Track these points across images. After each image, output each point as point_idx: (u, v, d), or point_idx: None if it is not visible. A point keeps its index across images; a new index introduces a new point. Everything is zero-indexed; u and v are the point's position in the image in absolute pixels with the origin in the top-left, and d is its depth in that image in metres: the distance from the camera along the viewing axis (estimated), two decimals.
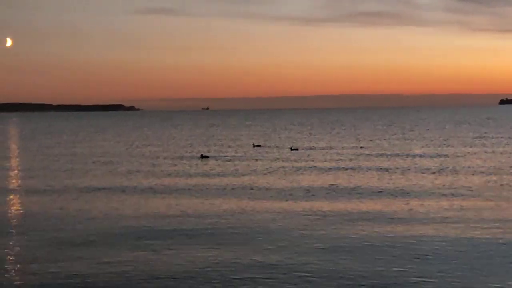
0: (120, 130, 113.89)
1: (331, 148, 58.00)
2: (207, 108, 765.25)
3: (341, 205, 24.56)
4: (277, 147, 60.25)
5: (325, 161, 44.56)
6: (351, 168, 39.03)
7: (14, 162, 47.58)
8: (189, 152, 54.67)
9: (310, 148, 57.58)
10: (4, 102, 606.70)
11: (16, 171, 40.74)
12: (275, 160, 45.89)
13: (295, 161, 44.81)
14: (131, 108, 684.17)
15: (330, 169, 38.92)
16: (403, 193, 27.98)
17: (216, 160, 46.39)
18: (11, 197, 28.76)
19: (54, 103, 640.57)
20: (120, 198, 27.68)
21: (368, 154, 49.72)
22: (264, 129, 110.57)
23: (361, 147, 58.05)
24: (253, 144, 61.72)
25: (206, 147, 61.16)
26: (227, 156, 49.99)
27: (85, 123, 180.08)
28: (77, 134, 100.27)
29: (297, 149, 55.56)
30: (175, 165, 43.10)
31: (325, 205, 24.93)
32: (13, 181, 35.06)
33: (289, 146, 58.87)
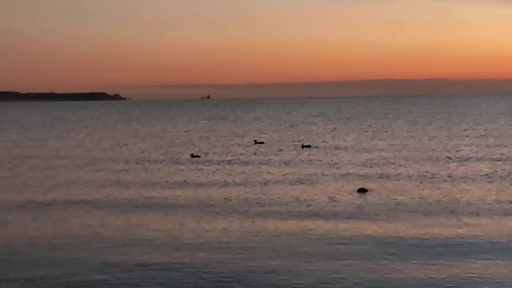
0: (103, 124, 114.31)
1: (357, 146, 57.83)
2: (208, 97, 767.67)
3: (365, 230, 24.02)
4: (282, 142, 60.48)
5: (348, 163, 44.34)
6: (379, 176, 38.76)
7: None
8: (186, 152, 54.75)
9: (334, 147, 57.46)
10: None
11: None
12: (280, 163, 45.73)
13: (308, 162, 44.65)
14: (115, 97, 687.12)
15: (351, 174, 38.64)
16: (451, 210, 27.56)
17: (209, 162, 46.57)
18: None
19: (22, 91, 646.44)
20: (98, 215, 27.59)
21: (404, 155, 49.45)
22: (276, 121, 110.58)
23: (395, 145, 57.82)
24: (255, 141, 62.86)
25: (206, 145, 61.25)
26: (224, 156, 50.25)
27: (60, 115, 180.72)
28: (50, 129, 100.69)
29: (309, 146, 55.86)
30: (172, 172, 43.09)
31: (348, 228, 24.67)
32: None
33: (300, 143, 59.22)
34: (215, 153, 52.94)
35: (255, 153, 52.34)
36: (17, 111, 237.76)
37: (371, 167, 41.41)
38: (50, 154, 55.01)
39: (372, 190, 31.43)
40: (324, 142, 63.50)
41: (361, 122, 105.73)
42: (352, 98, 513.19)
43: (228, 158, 48.86)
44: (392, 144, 58.90)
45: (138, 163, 46.58)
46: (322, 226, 23.76)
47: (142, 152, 55.26)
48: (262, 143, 61.45)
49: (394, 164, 42.62)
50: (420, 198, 29.51)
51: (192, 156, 50.10)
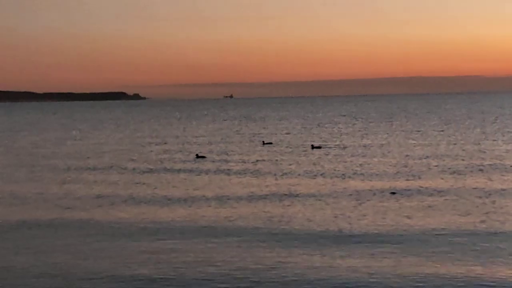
0: (122, 124, 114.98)
1: (388, 146, 57.71)
2: (231, 96, 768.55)
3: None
4: (291, 144, 60.72)
5: (378, 164, 44.32)
6: (410, 177, 38.68)
7: None
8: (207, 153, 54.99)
9: (363, 147, 57.40)
10: None
11: None
12: (290, 163, 45.74)
13: (336, 162, 44.69)
14: (135, 97, 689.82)
15: (382, 176, 38.63)
16: (485, 212, 27.48)
17: (213, 161, 46.82)
18: None
19: (40, 91, 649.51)
20: (122, 208, 27.89)
21: (437, 157, 49.30)
22: (302, 121, 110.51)
23: (427, 145, 57.64)
24: (263, 141, 62.94)
25: (221, 145, 61.50)
26: (229, 156, 50.62)
27: (78, 115, 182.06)
28: (68, 129, 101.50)
29: (319, 147, 55.94)
30: (191, 171, 43.35)
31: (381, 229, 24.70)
32: None
33: (311, 144, 59.63)
34: (217, 155, 52.74)
35: (261, 155, 51.89)
36: (35, 112, 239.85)
37: (404, 167, 41.27)
38: (68, 155, 55.50)
39: (403, 192, 31.37)
40: (353, 141, 63.43)
41: (392, 121, 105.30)
42: (382, 96, 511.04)
43: (232, 159, 48.90)
44: (424, 144, 58.62)
45: (157, 164, 46.88)
46: (356, 228, 23.85)
47: (162, 153, 55.50)
48: (270, 143, 61.57)
49: (426, 165, 42.42)
50: (456, 199, 29.48)
51: (197, 156, 50.13)
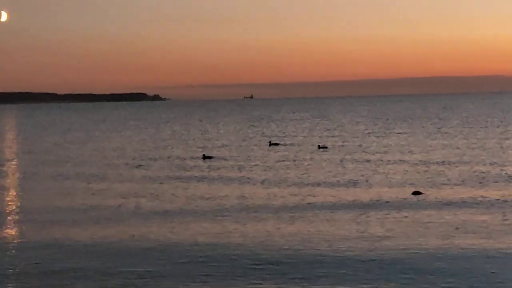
0: (143, 125, 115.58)
1: (409, 146, 57.73)
2: (251, 97, 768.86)
3: None
4: (299, 144, 60.96)
5: (401, 164, 44.44)
6: (433, 177, 38.81)
7: (12, 166, 49.03)
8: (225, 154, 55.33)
9: (383, 147, 57.47)
10: None
11: (16, 176, 42.01)
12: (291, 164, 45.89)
13: (359, 163, 44.89)
14: (156, 98, 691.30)
15: (404, 176, 38.82)
16: (503, 214, 27.58)
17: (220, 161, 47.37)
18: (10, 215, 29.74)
19: (60, 92, 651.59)
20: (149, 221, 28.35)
21: (459, 156, 49.33)
22: (322, 121, 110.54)
23: (449, 145, 57.60)
24: (269, 142, 63.27)
25: (229, 146, 61.83)
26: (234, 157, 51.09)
27: (99, 116, 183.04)
28: (90, 130, 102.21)
29: (326, 147, 56.13)
30: (213, 177, 43.70)
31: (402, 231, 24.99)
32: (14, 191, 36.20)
33: (318, 143, 60.10)
34: (223, 154, 53.40)
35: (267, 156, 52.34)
36: (56, 113, 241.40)
37: (425, 168, 41.30)
38: (91, 155, 56.06)
39: (426, 193, 31.42)
40: (373, 142, 63.50)
41: (414, 121, 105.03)
42: (402, 96, 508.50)
43: (237, 159, 49.44)
44: (446, 144, 58.47)
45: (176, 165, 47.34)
46: (377, 230, 24.15)
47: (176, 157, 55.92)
48: (277, 144, 61.88)
49: (448, 165, 42.36)
50: (480, 201, 29.56)
51: (204, 157, 50.27)
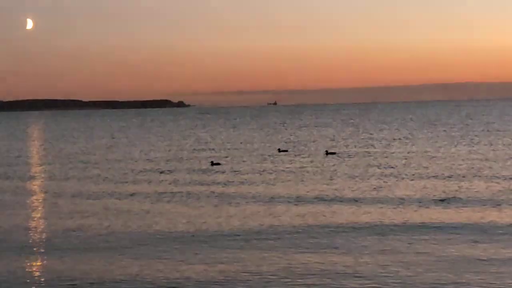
0: (168, 132, 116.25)
1: (435, 153, 57.70)
2: (275, 103, 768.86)
3: None
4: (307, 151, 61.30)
5: (426, 171, 44.50)
6: (459, 184, 38.91)
7: (42, 171, 49.75)
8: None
9: (407, 153, 57.51)
10: (23, 98, 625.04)
11: (44, 181, 42.69)
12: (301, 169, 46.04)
13: (384, 168, 45.04)
14: (179, 104, 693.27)
15: (430, 183, 38.90)
16: None
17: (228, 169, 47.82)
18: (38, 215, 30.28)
19: (85, 99, 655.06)
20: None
21: (485, 162, 49.25)
22: (346, 127, 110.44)
23: (475, 152, 57.44)
24: (279, 149, 63.80)
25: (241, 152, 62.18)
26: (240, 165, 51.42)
27: (124, 123, 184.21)
28: (115, 136, 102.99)
29: (334, 153, 56.44)
30: (244, 181, 44.07)
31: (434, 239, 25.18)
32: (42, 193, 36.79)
33: (325, 150, 60.67)
34: (227, 162, 53.58)
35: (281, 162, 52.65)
36: (82, 119, 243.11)
37: (450, 176, 41.11)
38: (117, 161, 56.65)
39: (450, 199, 31.43)
40: (398, 148, 63.51)
41: (439, 127, 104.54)
42: (429, 102, 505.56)
43: (242, 166, 50.05)
44: (472, 151, 58.17)
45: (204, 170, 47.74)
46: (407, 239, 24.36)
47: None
48: (286, 151, 62.33)
49: (475, 172, 42.14)
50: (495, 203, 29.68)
51: (212, 163, 51.04)
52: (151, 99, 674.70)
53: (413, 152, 58.74)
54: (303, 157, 56.11)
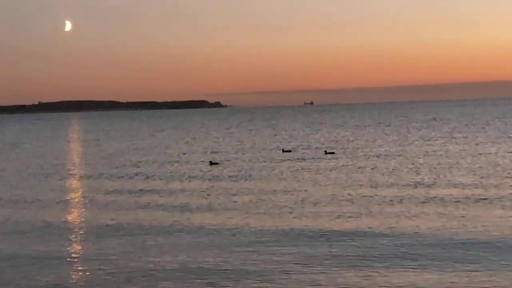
0: (206, 132, 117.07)
1: (470, 152, 57.53)
2: (311, 103, 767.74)
3: None
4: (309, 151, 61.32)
5: (461, 170, 44.43)
6: (494, 185, 38.89)
7: (84, 170, 50.67)
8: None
9: (446, 151, 57.41)
10: (62, 100, 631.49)
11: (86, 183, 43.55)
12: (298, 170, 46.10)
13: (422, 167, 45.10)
14: (216, 105, 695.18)
15: (465, 184, 38.95)
16: None
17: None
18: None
19: (123, 100, 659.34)
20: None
21: None
22: (379, 127, 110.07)
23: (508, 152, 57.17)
24: (283, 149, 64.06)
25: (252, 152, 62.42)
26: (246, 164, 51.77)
27: (161, 124, 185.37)
28: (153, 137, 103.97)
29: (332, 153, 57.87)
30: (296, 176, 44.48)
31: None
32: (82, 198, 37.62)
33: (324, 149, 61.33)
34: (228, 160, 54.61)
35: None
36: (120, 120, 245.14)
37: (485, 176, 40.73)
38: (156, 161, 57.39)
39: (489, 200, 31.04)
40: (442, 146, 63.34)
41: (472, 127, 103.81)
42: (466, 101, 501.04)
43: (242, 166, 50.32)
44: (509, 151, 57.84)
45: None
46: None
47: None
48: (290, 151, 62.60)
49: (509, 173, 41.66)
50: None
51: (211, 163, 51.88)
52: (189, 99, 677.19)
53: (452, 150, 58.54)
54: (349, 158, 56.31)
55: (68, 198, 36.16)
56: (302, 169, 46.88)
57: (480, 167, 44.01)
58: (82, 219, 29.34)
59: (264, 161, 53.75)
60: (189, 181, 41.99)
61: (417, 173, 41.54)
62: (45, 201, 34.87)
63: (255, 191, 36.25)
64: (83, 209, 32.17)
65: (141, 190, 38.39)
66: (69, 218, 29.85)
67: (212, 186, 38.71)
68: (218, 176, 44.00)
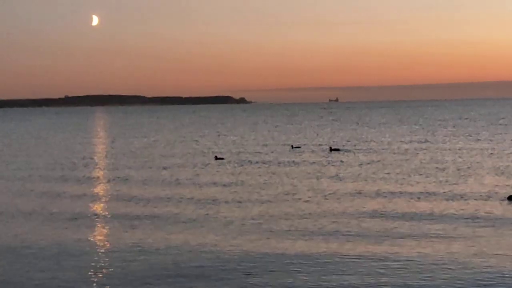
0: (231, 128, 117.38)
1: (498, 149, 57.41)
2: (336, 100, 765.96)
3: None
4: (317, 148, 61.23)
5: (489, 169, 44.48)
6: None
7: (110, 165, 51.33)
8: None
9: (470, 149, 57.37)
10: (87, 94, 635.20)
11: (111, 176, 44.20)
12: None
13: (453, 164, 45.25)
14: (241, 101, 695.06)
15: (496, 181, 38.97)
16: None
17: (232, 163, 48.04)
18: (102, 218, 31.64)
19: (148, 95, 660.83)
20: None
21: None
22: (404, 125, 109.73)
23: None
24: (292, 145, 64.09)
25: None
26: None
27: (186, 119, 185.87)
28: (178, 132, 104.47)
29: (338, 150, 57.38)
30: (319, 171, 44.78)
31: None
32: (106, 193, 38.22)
33: (329, 146, 61.59)
34: (235, 155, 55.58)
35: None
36: (145, 115, 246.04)
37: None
38: (182, 156, 57.91)
39: None
40: (466, 144, 63.21)
41: (500, 125, 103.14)
42: (491, 100, 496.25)
43: (247, 161, 51.19)
44: None
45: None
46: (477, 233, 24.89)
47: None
48: (299, 147, 62.84)
49: None
50: None
51: (216, 158, 52.62)
52: (213, 95, 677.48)
53: (476, 148, 58.37)
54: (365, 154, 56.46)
55: (96, 190, 36.83)
56: (301, 164, 47.70)
57: None
58: (111, 211, 29.94)
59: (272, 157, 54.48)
60: (213, 174, 42.55)
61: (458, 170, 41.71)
62: (74, 193, 35.53)
63: (259, 186, 36.69)
64: (112, 201, 32.79)
65: (169, 182, 39.01)
66: (98, 209, 30.47)
67: (233, 182, 39.19)
68: (223, 169, 44.47)
